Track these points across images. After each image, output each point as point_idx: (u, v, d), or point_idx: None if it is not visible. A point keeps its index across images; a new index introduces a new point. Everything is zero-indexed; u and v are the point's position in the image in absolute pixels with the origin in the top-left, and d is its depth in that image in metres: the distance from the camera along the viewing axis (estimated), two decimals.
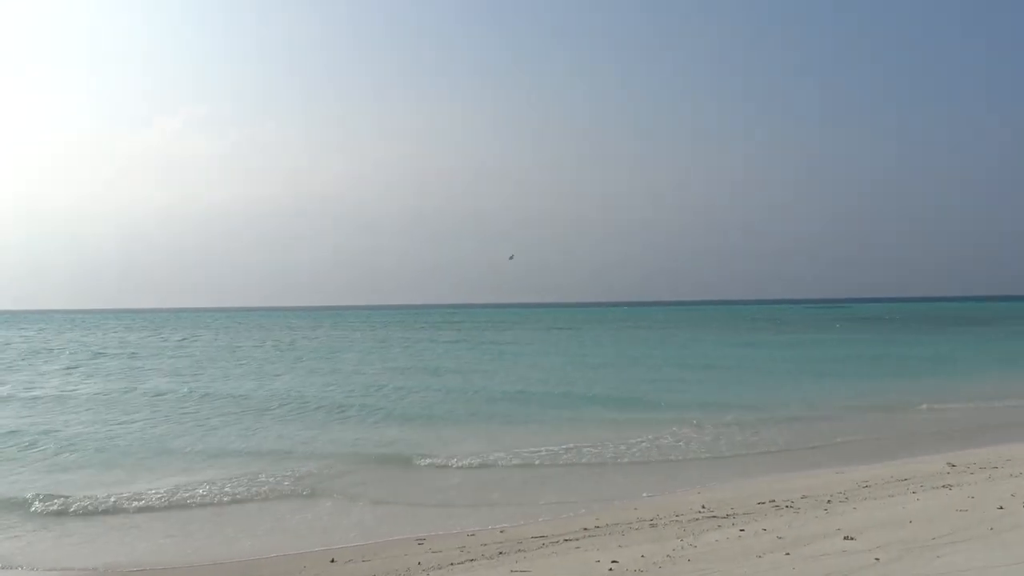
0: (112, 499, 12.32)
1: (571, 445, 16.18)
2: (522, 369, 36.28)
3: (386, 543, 10.17)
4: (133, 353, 49.99)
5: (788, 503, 10.74)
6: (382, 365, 38.84)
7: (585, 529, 10.10)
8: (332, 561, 9.40)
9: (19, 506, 12.12)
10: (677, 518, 10.31)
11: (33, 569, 9.60)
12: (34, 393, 27.55)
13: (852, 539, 8.23)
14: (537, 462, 15.00)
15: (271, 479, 13.60)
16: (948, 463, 13.27)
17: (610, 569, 7.90)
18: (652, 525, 10.04)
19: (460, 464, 14.89)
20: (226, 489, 12.90)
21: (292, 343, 61.80)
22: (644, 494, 12.38)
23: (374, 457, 15.60)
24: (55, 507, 11.97)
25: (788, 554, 7.87)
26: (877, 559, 7.40)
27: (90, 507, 12.00)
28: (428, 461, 15.22)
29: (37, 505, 12.02)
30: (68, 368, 38.67)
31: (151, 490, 12.90)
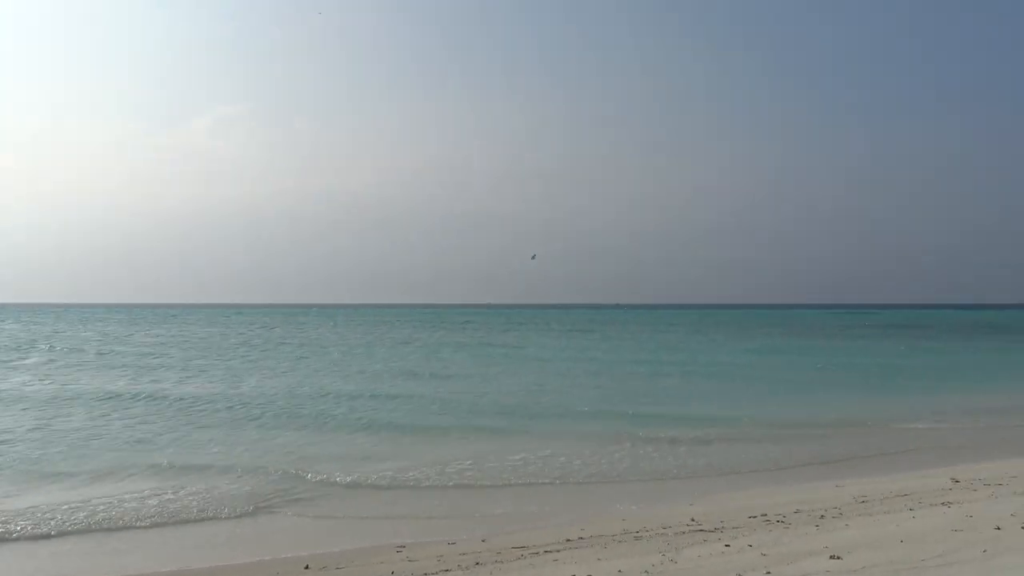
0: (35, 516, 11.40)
1: (550, 454, 15.93)
2: (510, 375, 34.49)
3: (364, 550, 10.03)
4: (112, 350, 48.41)
5: (780, 518, 10.47)
6: (361, 367, 37.85)
7: (568, 540, 9.89)
8: (306, 568, 9.26)
9: None
10: (664, 531, 10.08)
11: None
12: None
13: (839, 558, 7.98)
14: (513, 477, 14.29)
15: (216, 493, 12.79)
16: (952, 478, 12.92)
17: None
18: (637, 538, 9.82)
19: (420, 477, 14.16)
20: (167, 503, 12.21)
21: (281, 341, 60.51)
22: (633, 506, 12.15)
23: (327, 468, 14.61)
24: None
25: (769, 572, 7.63)
26: None
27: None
28: (389, 472, 14.48)
29: None
30: (39, 364, 38.46)
31: (80, 504, 12.02)
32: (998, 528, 8.87)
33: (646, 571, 8.05)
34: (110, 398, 24.92)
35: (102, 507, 11.94)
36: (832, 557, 8.03)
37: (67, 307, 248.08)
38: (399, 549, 9.94)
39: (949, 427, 19.76)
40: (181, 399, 24.65)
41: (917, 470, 14.27)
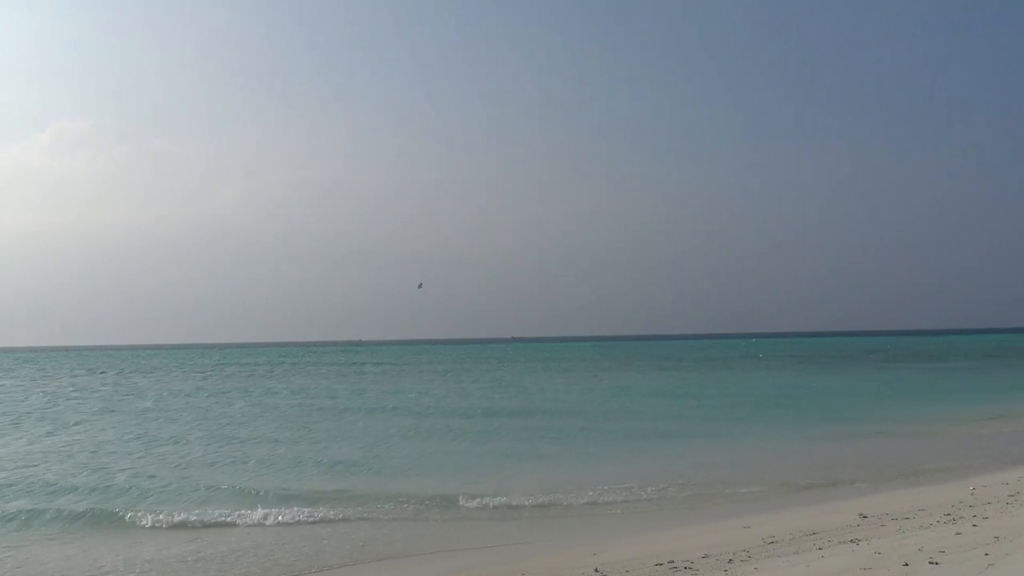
0: None
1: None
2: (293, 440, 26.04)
3: None
4: None
5: (687, 564, 10.24)
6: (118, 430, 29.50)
7: None
8: None
9: None
10: None
11: None
12: None
13: None
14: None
15: None
16: (860, 514, 13.08)
17: None
18: None
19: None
20: None
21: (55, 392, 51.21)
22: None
23: None
24: None
25: None
26: None
27: None
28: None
29: None
30: None
31: None
32: (906, 564, 8.88)
33: None
34: None
35: None
36: None
37: None
38: None
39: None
40: None
41: (825, 503, 14.52)
